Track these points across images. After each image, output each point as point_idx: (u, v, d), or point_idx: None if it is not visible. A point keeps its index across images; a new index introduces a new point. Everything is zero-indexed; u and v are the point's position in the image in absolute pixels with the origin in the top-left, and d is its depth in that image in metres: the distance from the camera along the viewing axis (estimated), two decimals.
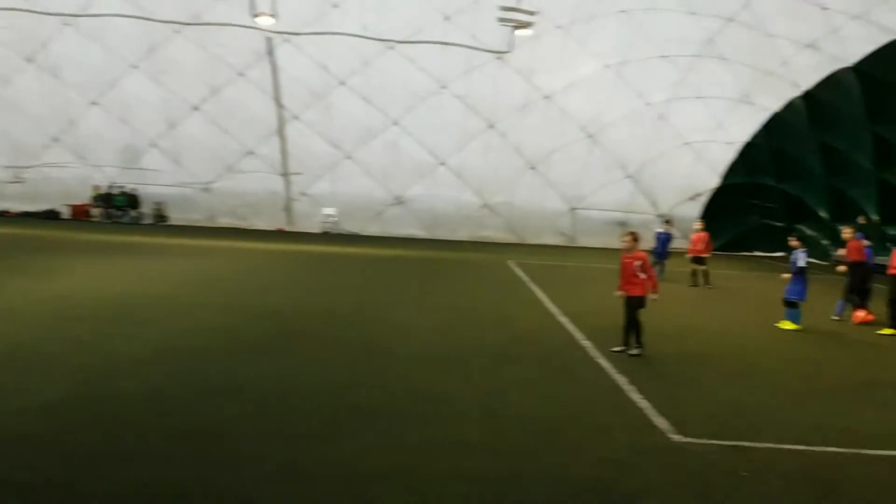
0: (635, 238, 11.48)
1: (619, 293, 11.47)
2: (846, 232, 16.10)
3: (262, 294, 15.44)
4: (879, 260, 16.78)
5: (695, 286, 20.59)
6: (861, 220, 21.20)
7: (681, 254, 22.56)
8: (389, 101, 31.80)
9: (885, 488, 6.32)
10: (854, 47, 23.89)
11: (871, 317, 15.18)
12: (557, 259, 27.92)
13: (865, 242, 15.87)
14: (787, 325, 14.22)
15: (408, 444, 6.74)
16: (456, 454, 6.57)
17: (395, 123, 32.45)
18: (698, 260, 21.01)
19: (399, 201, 34.23)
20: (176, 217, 34.11)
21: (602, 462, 6.52)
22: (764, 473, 6.47)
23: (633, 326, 11.24)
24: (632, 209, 34.96)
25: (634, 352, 11.13)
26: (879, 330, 14.39)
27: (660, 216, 34.11)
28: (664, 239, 21.63)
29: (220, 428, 6.92)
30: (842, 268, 15.83)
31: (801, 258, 14.15)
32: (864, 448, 7.35)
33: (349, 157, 33.37)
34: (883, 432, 7.91)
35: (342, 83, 31.56)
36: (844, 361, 11.80)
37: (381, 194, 34.09)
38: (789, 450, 7.16)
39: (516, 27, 26.51)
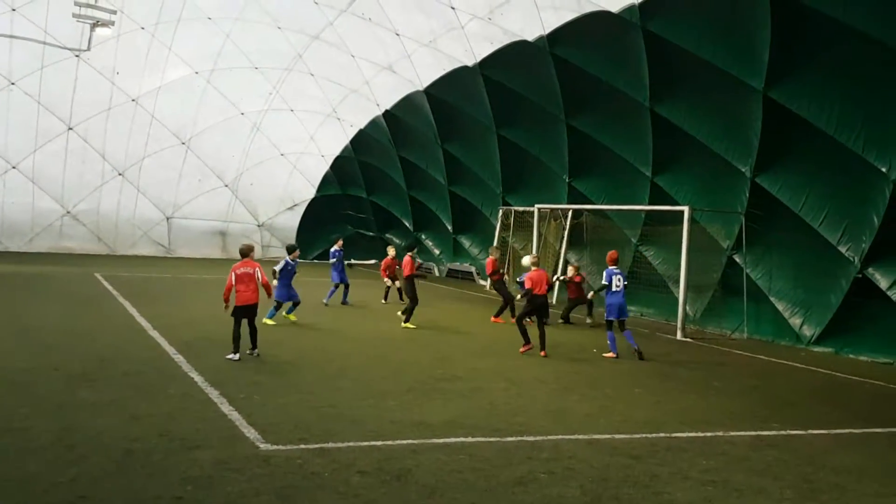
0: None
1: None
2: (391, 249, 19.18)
3: None
4: None
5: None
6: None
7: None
8: None
9: (449, 470, 7.09)
10: (424, 72, 26.43)
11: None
12: (152, 270, 26.63)
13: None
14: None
15: None
16: (17, 490, 5.92)
17: None
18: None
19: None
20: None
21: (185, 481, 6.35)
22: (344, 471, 6.86)
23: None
24: (232, 219, 34.77)
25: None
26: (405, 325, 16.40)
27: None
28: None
29: None
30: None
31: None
32: (433, 437, 8.16)
33: None
34: (448, 421, 8.87)
35: None
36: (422, 360, 13.00)
37: None
38: (369, 446, 7.67)
39: (95, 25, 24.62)
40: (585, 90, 21.30)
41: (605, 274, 14.27)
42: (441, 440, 8.06)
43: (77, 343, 12.47)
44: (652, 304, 21.02)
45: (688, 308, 18.40)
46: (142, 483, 6.28)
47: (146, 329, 14.22)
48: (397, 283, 20.11)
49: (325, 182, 35.53)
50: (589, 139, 22.20)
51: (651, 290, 20.90)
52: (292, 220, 35.44)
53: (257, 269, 11.98)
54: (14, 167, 29.97)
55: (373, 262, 29.03)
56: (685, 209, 17.86)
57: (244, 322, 11.86)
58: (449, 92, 26.42)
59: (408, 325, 16.44)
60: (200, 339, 13.31)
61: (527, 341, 13.99)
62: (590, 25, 19.26)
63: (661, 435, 8.88)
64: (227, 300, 11.91)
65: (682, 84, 18.54)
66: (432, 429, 8.47)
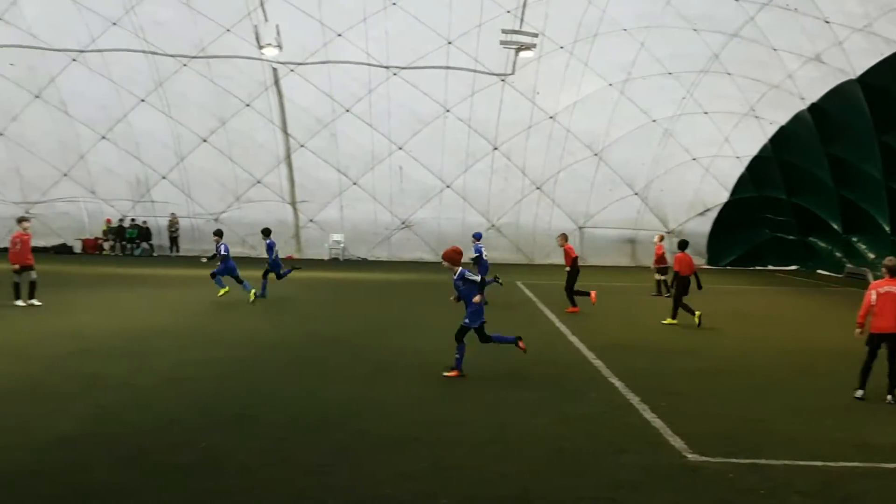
0: None
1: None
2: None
3: (273, 322, 15.47)
4: None
5: (658, 295, 22.01)
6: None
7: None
8: (394, 126, 31.97)
9: None
10: (858, 60, 23.89)
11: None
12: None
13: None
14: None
15: (418, 472, 6.68)
16: (465, 479, 6.53)
17: (400, 148, 32.59)
18: (662, 270, 22.13)
19: (406, 225, 34.28)
20: (186, 248, 34.18)
21: (616, 483, 6.45)
22: (782, 491, 6.39)
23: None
24: (640, 226, 34.96)
25: None
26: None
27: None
28: None
29: (232, 458, 6.89)
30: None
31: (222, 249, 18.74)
32: (882, 462, 7.27)
33: (355, 184, 33.49)
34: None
35: (347, 110, 31.75)
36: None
37: (388, 219, 34.18)
38: (805, 465, 7.08)
39: (519, 49, 26.62)
40: None
41: (462, 272, 11.27)
42: (891, 465, 7.15)
43: (509, 347, 13.42)
44: None
45: None
46: (574, 481, 6.52)
47: (565, 334, 14.84)
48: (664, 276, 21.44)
49: (740, 185, 33.87)
50: None
51: None
52: (703, 226, 34.47)
53: None
54: (448, 186, 33.63)
55: (794, 267, 26.91)
56: None
57: (882, 355, 9.75)
58: (889, 78, 23.47)
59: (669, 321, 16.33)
60: (615, 346, 13.49)
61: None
62: None
63: None
64: (861, 324, 10.00)
65: None
66: (880, 452, 7.53)
